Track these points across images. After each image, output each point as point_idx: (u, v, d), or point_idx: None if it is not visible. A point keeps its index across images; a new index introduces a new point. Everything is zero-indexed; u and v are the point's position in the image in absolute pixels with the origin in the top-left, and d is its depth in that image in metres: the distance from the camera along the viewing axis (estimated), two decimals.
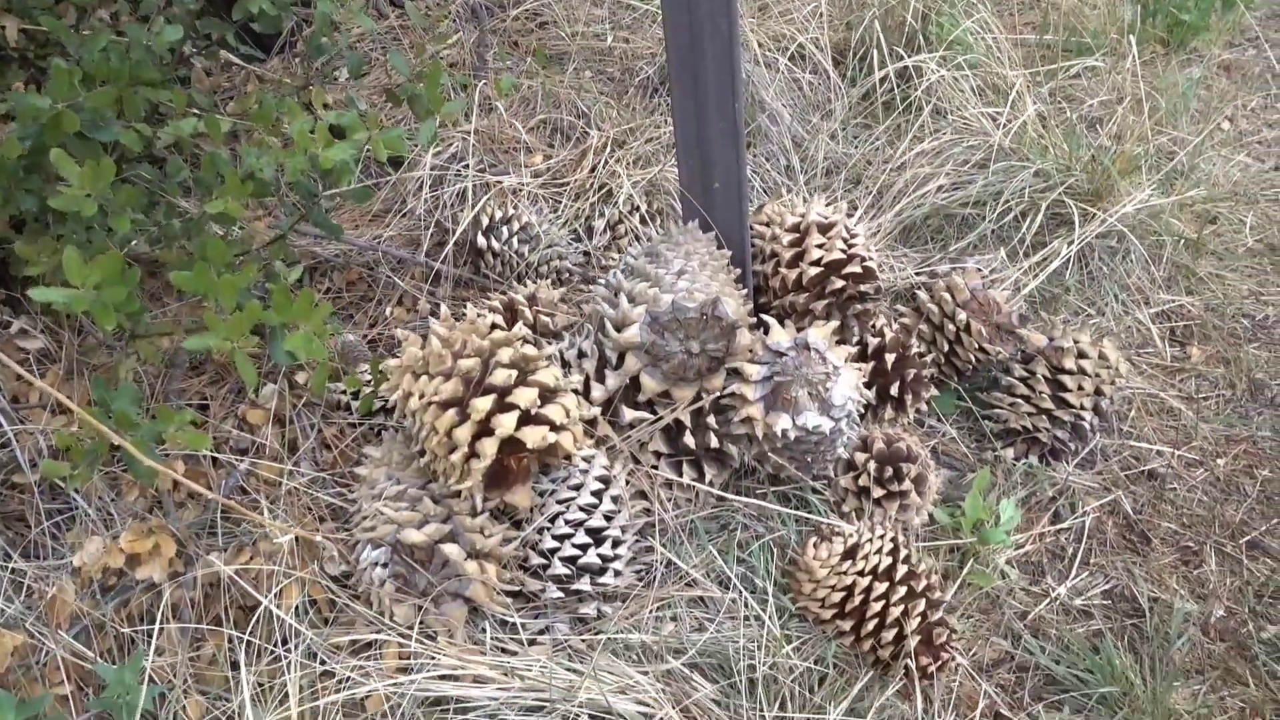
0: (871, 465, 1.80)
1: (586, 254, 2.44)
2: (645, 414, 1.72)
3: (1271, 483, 2.07)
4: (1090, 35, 3.34)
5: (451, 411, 1.47)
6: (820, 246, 1.81)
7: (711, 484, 1.78)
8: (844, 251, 1.80)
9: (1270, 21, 3.93)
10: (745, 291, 1.76)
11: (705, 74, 1.64)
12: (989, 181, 2.47)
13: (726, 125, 1.68)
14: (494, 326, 1.76)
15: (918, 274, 2.30)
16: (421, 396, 1.50)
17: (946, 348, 2.03)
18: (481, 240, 2.29)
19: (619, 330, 1.67)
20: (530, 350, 1.55)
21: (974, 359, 2.01)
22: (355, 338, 2.08)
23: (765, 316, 1.77)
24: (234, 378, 2.06)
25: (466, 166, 2.58)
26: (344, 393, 1.96)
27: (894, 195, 2.62)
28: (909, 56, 2.88)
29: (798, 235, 1.85)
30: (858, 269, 1.79)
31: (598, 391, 1.70)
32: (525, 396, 1.46)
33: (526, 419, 1.46)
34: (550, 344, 1.82)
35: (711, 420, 1.74)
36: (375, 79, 2.94)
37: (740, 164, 1.72)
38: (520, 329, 1.59)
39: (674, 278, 1.67)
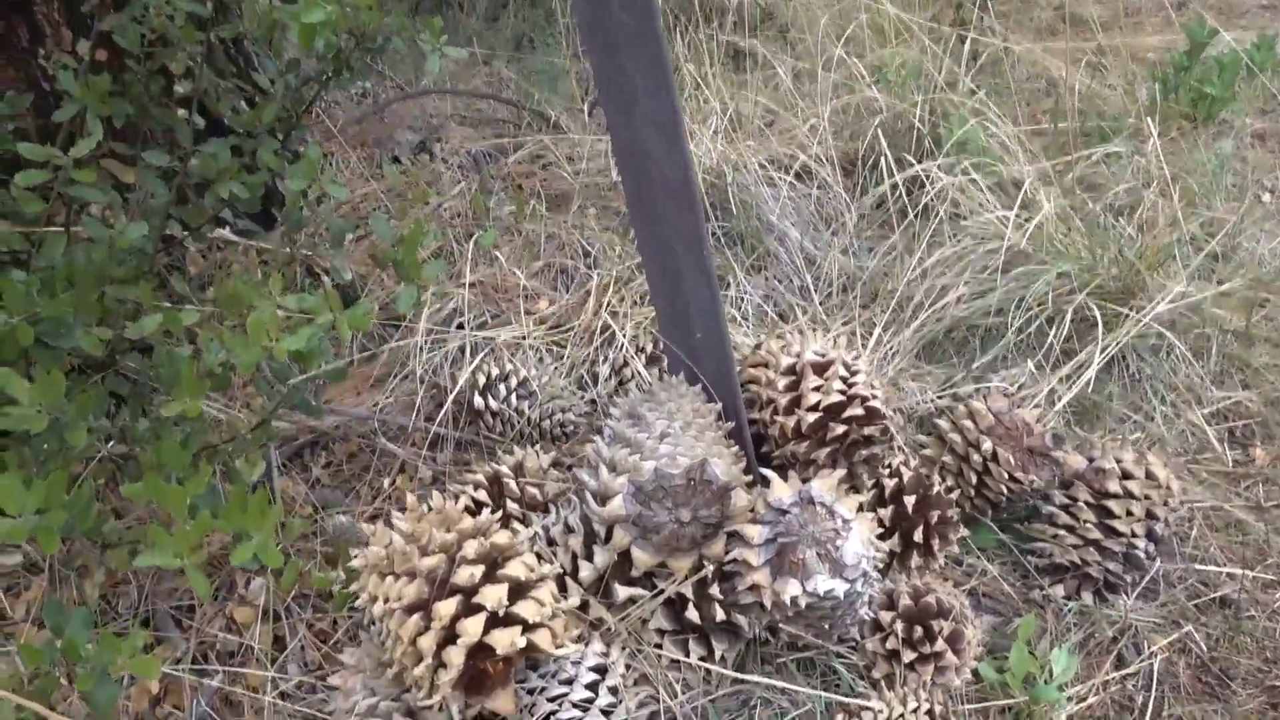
0: (899, 625, 1.63)
1: (593, 402, 2.34)
2: (641, 590, 1.58)
3: None
4: (1109, 119, 3.22)
5: (415, 617, 1.35)
6: (817, 389, 1.68)
7: (723, 660, 1.62)
8: (843, 393, 1.66)
9: None
10: (735, 449, 1.63)
11: (666, 227, 1.55)
12: (1009, 288, 2.33)
13: (698, 269, 1.58)
14: (469, 510, 1.66)
15: (940, 396, 2.15)
16: (386, 600, 1.39)
17: (974, 480, 1.86)
18: (479, 400, 2.20)
19: (602, 504, 1.54)
20: (502, 539, 1.43)
21: (1005, 490, 1.84)
22: (347, 519, 1.98)
23: (765, 470, 1.63)
24: (225, 570, 1.98)
25: (464, 323, 2.52)
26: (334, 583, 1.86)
27: (912, 309, 2.49)
28: (918, 163, 2.78)
29: (793, 378, 1.73)
30: (859, 410, 1.65)
31: (586, 570, 1.57)
32: (492, 596, 1.34)
33: (495, 621, 1.34)
34: (537, 518, 1.70)
35: (715, 590, 1.59)
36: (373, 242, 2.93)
37: (718, 310, 1.61)
38: (487, 517, 1.47)
39: (656, 441, 1.55)
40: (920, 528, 1.72)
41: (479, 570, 1.36)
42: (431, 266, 2.00)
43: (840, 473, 1.63)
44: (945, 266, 2.53)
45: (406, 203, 2.94)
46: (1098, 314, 2.14)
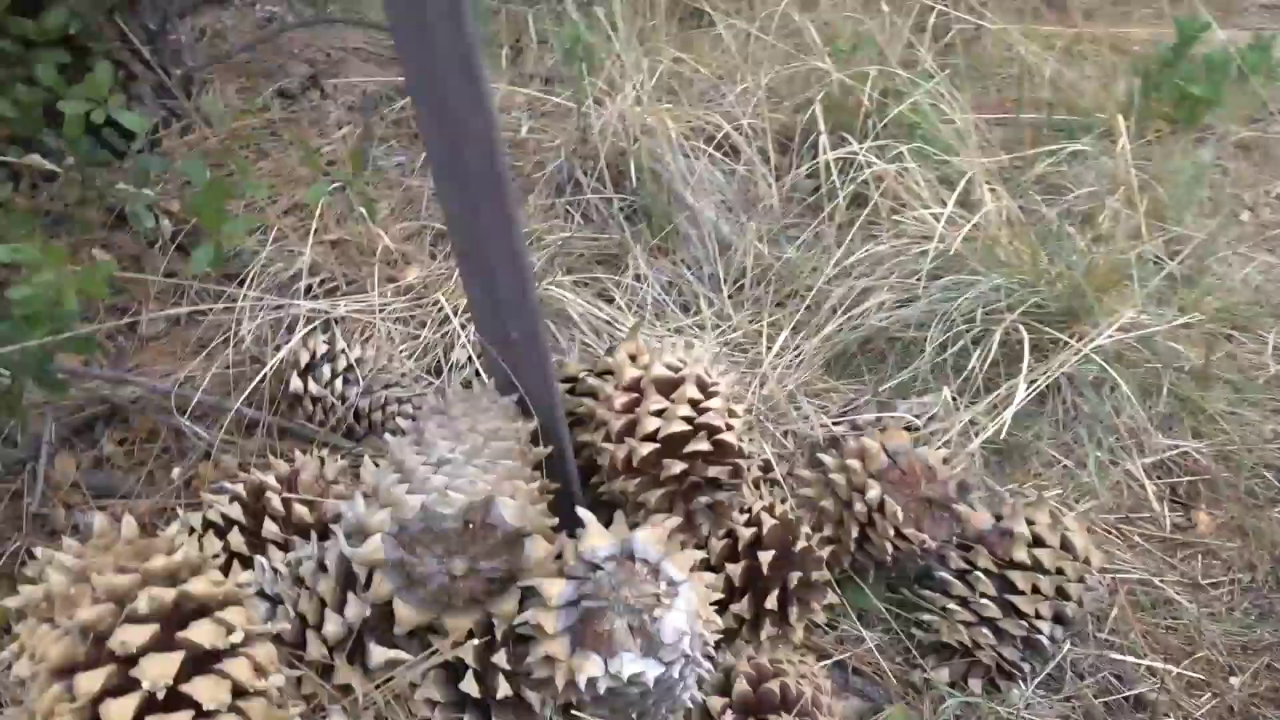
0: (729, 718, 1.31)
1: (441, 391, 2.00)
2: (402, 654, 1.25)
3: None
4: (1081, 113, 2.88)
5: (57, 688, 1.01)
6: (657, 414, 1.34)
7: None
8: (688, 421, 1.32)
9: None
10: (538, 484, 1.28)
11: (470, 194, 1.20)
12: (934, 299, 2.00)
13: (507, 252, 1.24)
14: (217, 530, 1.32)
15: (836, 422, 1.82)
16: (33, 657, 1.05)
17: (856, 532, 1.54)
18: (297, 383, 1.85)
19: (358, 543, 1.21)
20: (199, 586, 1.09)
21: (891, 548, 1.52)
22: (100, 518, 1.63)
23: (582, 511, 1.29)
24: None
25: (310, 287, 2.17)
26: None
27: (827, 311, 2.16)
28: (860, 145, 2.44)
29: (634, 396, 1.38)
30: (704, 445, 1.31)
31: (333, 624, 1.23)
32: (156, 669, 1.00)
33: (154, 704, 1.00)
34: (305, 545, 1.36)
35: (502, 658, 1.27)
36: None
37: (531, 305, 1.27)
38: (194, 553, 1.13)
39: (431, 469, 1.21)
40: (776, 591, 1.40)
41: (147, 631, 1.02)
42: (239, 221, 1.65)
43: (674, 521, 1.30)
44: (873, 265, 2.20)
45: (307, 135, 2.57)
46: (1025, 338, 1.81)
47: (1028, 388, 1.76)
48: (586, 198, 2.45)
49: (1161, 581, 1.70)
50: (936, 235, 2.07)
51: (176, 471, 1.83)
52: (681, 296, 2.34)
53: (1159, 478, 1.90)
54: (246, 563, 1.35)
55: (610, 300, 2.26)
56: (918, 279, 2.10)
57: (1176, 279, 2.22)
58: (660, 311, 2.29)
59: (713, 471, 1.32)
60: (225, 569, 1.34)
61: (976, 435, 1.77)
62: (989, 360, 1.84)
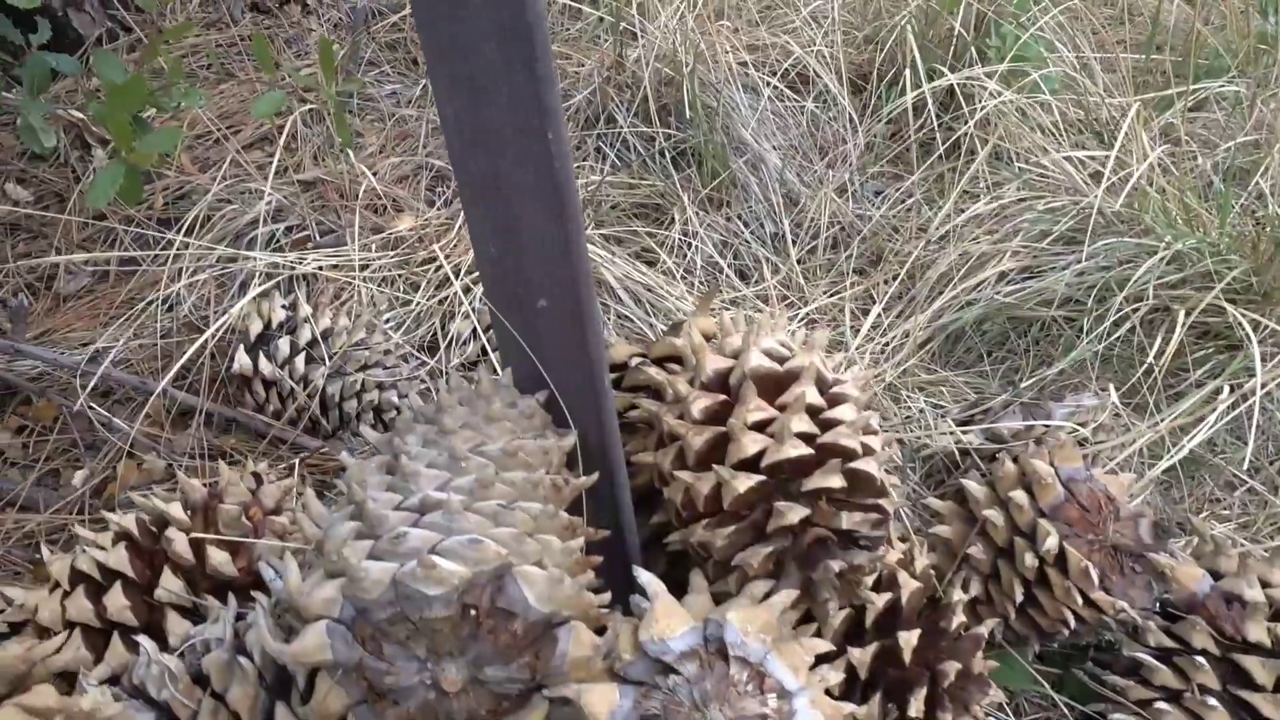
0: None
1: (440, 374, 1.55)
2: None
3: None
4: (1212, 55, 2.39)
5: None
6: (760, 427, 0.87)
7: None
8: (808, 440, 0.86)
9: None
10: (579, 541, 0.82)
11: (489, 109, 0.73)
12: (1085, 268, 1.53)
13: (544, 191, 0.77)
14: (90, 582, 0.87)
15: (964, 428, 1.35)
16: None
17: (1021, 593, 1.08)
18: (244, 360, 1.39)
19: (286, 629, 0.75)
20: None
21: (1073, 617, 1.06)
22: None
23: (642, 574, 0.84)
24: None
25: (275, 235, 1.71)
26: None
27: (932, 284, 1.69)
28: (979, 69, 1.97)
29: (719, 399, 0.92)
30: (835, 480, 0.85)
31: None
32: None
33: None
34: (224, 613, 0.90)
35: None
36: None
37: (576, 260, 0.81)
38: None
39: (411, 516, 0.75)
40: (923, 689, 0.94)
41: None
42: (160, 136, 1.19)
43: (787, 594, 0.84)
44: (989, 227, 1.73)
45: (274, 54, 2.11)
46: (1246, 326, 1.33)
47: (1233, 391, 1.29)
48: (623, 134, 1.97)
49: None
50: (1080, 188, 1.60)
51: (79, 475, 1.37)
52: (738, 260, 1.88)
53: None
54: (135, 642, 0.89)
55: (652, 263, 1.80)
56: (1051, 241, 1.63)
57: None
58: (712, 277, 1.83)
59: (850, 519, 0.85)
60: (100, 648, 0.89)
61: (1157, 453, 1.31)
62: (1171, 351, 1.37)
